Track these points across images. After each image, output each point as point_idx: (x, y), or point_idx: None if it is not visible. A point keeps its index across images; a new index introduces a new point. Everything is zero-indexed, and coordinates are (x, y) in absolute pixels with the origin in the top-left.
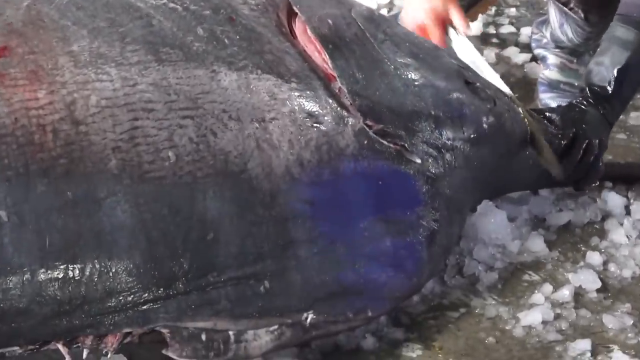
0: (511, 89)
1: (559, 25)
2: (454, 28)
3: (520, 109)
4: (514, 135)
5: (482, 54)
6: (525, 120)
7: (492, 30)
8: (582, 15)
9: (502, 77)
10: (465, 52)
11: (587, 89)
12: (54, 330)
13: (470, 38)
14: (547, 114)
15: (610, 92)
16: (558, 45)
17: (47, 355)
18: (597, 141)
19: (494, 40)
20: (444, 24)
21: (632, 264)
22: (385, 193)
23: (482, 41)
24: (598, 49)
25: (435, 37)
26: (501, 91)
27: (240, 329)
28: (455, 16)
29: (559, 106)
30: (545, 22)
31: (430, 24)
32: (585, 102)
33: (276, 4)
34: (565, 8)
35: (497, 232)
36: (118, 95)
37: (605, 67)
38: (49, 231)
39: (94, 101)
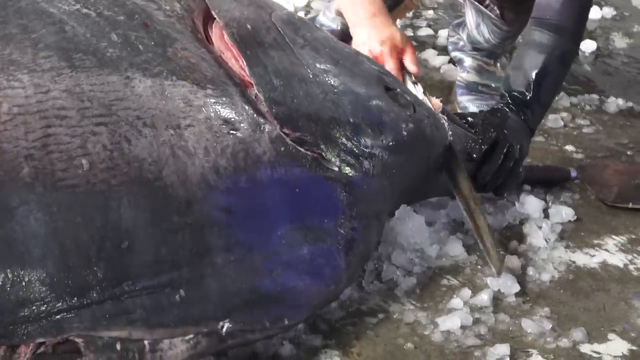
0: (429, 91)
1: (476, 25)
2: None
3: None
4: (434, 141)
5: None
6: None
7: (409, 32)
8: (498, 12)
9: (420, 79)
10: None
11: (507, 94)
12: None
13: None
14: (469, 118)
15: (529, 96)
16: (475, 47)
17: None
18: (518, 147)
19: (412, 42)
20: (400, 57)
21: (550, 267)
22: (303, 201)
23: None
24: (515, 54)
25: (390, 67)
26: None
27: (155, 338)
28: (409, 56)
29: (481, 111)
30: (462, 24)
31: (387, 54)
32: (506, 108)
33: (192, 10)
34: (480, 6)
35: (415, 237)
36: (30, 102)
37: (523, 72)
38: None
39: (6, 108)
